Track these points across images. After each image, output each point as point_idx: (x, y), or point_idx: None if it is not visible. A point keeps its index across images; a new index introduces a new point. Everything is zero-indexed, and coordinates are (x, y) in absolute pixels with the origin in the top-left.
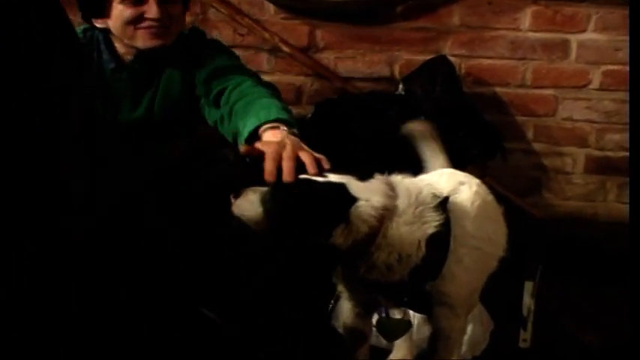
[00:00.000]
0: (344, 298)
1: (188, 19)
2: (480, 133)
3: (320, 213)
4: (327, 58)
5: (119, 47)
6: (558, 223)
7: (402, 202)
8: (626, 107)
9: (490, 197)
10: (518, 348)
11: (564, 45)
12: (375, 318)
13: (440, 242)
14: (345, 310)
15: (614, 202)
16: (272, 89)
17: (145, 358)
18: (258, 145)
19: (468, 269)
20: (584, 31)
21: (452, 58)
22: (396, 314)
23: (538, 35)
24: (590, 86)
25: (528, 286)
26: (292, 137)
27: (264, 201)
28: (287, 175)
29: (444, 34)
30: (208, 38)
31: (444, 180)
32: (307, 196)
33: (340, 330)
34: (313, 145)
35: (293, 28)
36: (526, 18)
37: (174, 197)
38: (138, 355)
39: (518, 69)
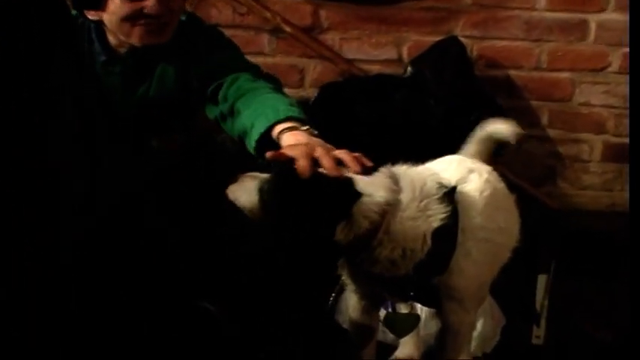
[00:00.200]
0: (349, 290)
1: None
2: (492, 118)
3: (323, 210)
4: (332, 39)
5: (112, 39)
6: (573, 214)
7: (405, 197)
8: None
9: (501, 185)
10: (530, 345)
11: (582, 25)
12: (382, 313)
13: (446, 235)
14: (351, 303)
15: None
16: (272, 82)
17: (145, 358)
18: (284, 150)
19: (477, 262)
20: (603, 10)
21: (463, 40)
22: (403, 308)
23: (555, 15)
24: (609, 69)
25: (542, 280)
26: (316, 139)
27: (261, 190)
28: (332, 170)
29: (455, 13)
30: (206, 25)
31: (453, 168)
32: (310, 191)
33: (345, 325)
34: (317, 130)
35: (296, 7)
36: None
37: (173, 196)
38: (138, 354)
39: (533, 51)
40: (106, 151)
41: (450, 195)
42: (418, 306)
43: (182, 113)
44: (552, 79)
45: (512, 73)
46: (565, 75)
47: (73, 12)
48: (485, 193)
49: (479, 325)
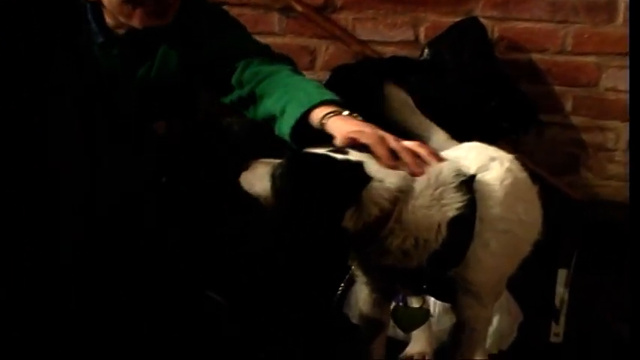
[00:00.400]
0: (360, 283)
1: None
2: (513, 104)
3: (331, 193)
4: (345, 18)
5: (110, 20)
6: (597, 205)
7: (419, 184)
8: None
9: (523, 175)
10: (549, 342)
11: (610, 6)
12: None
13: (463, 225)
14: (362, 297)
15: None
16: (288, 62)
17: (146, 358)
18: (352, 135)
19: (496, 254)
20: None
21: (483, 21)
22: (414, 302)
23: None
24: None
25: (562, 274)
26: (368, 124)
27: (273, 175)
28: (417, 168)
29: None
30: (208, 3)
31: (473, 155)
32: (320, 174)
33: (354, 319)
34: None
35: None
36: None
37: (175, 193)
38: (138, 354)
39: (557, 33)
40: (107, 150)
41: (468, 184)
42: (431, 300)
43: (184, 96)
44: (577, 63)
45: (535, 56)
46: (591, 59)
47: None
48: (506, 182)
49: (495, 320)
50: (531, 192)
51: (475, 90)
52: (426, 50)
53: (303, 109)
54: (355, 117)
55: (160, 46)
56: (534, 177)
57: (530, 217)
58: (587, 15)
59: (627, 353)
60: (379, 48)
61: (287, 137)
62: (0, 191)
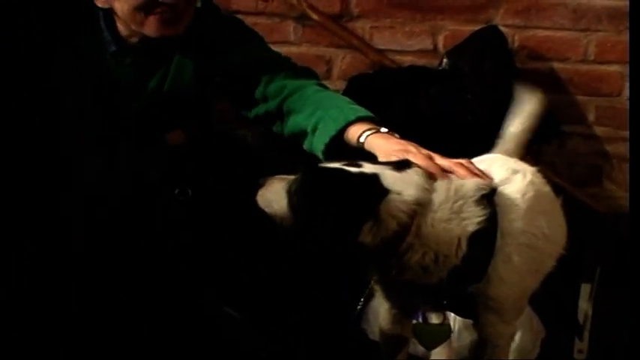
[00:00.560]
0: (379, 298)
1: None
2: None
3: (348, 207)
4: (362, 27)
5: (122, 29)
6: (621, 218)
7: (438, 196)
8: None
9: (546, 189)
10: (572, 359)
11: None
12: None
13: (484, 240)
14: (381, 312)
15: None
16: (312, 76)
17: (147, 358)
18: (397, 154)
19: (518, 269)
20: None
21: (504, 29)
22: (435, 318)
23: (604, 2)
24: None
25: (586, 289)
26: (408, 142)
27: (289, 191)
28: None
29: (495, 0)
30: (224, 14)
31: (496, 168)
32: (335, 188)
33: (372, 335)
34: None
35: None
36: None
37: (192, 205)
38: (140, 354)
39: (579, 41)
40: (118, 145)
41: (489, 197)
42: (451, 316)
43: (198, 106)
44: (600, 73)
45: (557, 65)
46: (614, 68)
47: None
48: (528, 196)
49: (516, 336)
50: (554, 205)
51: (495, 100)
52: (445, 59)
53: (338, 126)
54: (392, 134)
55: (174, 55)
56: (557, 189)
57: (554, 231)
58: (610, 23)
59: None
60: (397, 57)
61: (319, 153)
62: (0, 191)
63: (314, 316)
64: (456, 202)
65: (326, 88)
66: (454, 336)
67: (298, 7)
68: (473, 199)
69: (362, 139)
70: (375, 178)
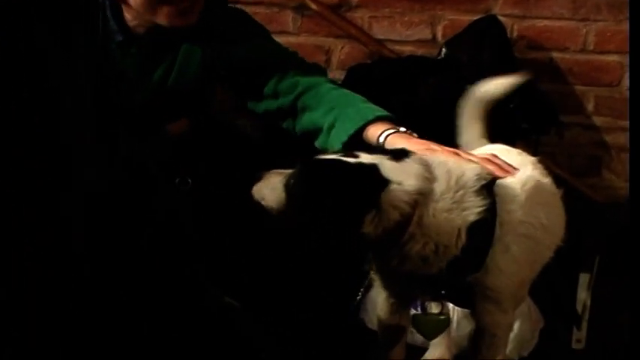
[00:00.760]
0: (378, 288)
1: None
2: (532, 104)
3: (349, 198)
4: (361, 17)
5: (129, 19)
6: (620, 207)
7: (439, 186)
8: None
9: (546, 180)
10: (571, 349)
11: None
12: (411, 312)
13: (483, 230)
14: (379, 302)
15: None
16: (322, 72)
17: (147, 358)
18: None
19: (517, 259)
20: None
21: (502, 19)
22: (434, 308)
23: None
24: None
25: (584, 279)
26: (430, 142)
27: (287, 185)
28: (504, 173)
29: None
30: (230, 6)
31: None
32: (335, 179)
33: (371, 325)
34: None
35: None
36: None
37: (194, 195)
38: (141, 354)
39: (579, 31)
40: (118, 137)
41: (488, 187)
42: (450, 305)
43: (201, 98)
44: (599, 62)
45: (556, 55)
46: (613, 57)
47: None
48: (527, 186)
49: (515, 326)
50: (554, 196)
51: None
52: (444, 49)
53: (357, 125)
54: (411, 134)
55: (180, 46)
56: (557, 180)
57: (553, 222)
58: (609, 12)
59: None
60: (396, 47)
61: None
62: (0, 191)
63: (313, 306)
64: (457, 191)
65: (339, 85)
66: (453, 326)
67: None
68: (473, 189)
69: (382, 139)
70: (374, 168)
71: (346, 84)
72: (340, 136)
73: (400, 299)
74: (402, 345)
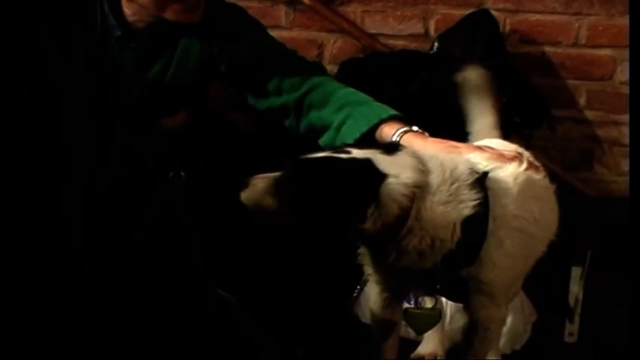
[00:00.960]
0: (371, 282)
1: None
2: (525, 98)
3: (349, 194)
4: (353, 11)
5: (129, 14)
6: (612, 201)
7: (434, 178)
8: None
9: (539, 174)
10: (563, 342)
11: None
12: (404, 306)
13: (477, 224)
14: (372, 297)
15: None
16: (322, 70)
17: (147, 355)
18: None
19: (510, 253)
20: None
21: (495, 13)
22: (428, 302)
23: None
24: None
25: (576, 272)
26: (446, 140)
27: (278, 187)
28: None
29: None
30: (227, 2)
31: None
32: (332, 177)
33: (364, 319)
34: None
35: None
36: None
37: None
38: (138, 354)
39: (571, 25)
40: (115, 136)
41: (481, 181)
42: (443, 300)
43: (198, 93)
44: (592, 56)
45: (548, 49)
46: (605, 52)
47: None
48: (520, 180)
49: (508, 320)
50: (547, 191)
51: None
52: (436, 44)
53: (370, 123)
54: (424, 133)
55: (179, 41)
56: (549, 174)
57: (545, 216)
58: (601, 7)
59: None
60: (388, 41)
61: None
62: (0, 191)
63: (307, 301)
64: (452, 184)
65: (341, 84)
66: (446, 320)
67: None
68: (467, 182)
69: (396, 138)
70: (369, 162)
71: (339, 78)
72: (352, 133)
73: (393, 294)
74: (395, 339)
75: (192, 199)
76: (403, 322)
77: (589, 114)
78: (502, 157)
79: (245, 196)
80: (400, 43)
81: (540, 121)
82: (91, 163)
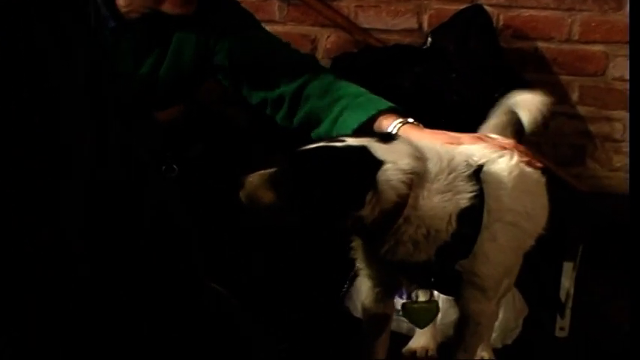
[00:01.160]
0: (363, 276)
1: None
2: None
3: (347, 180)
4: (347, 6)
5: (122, 4)
6: (604, 197)
7: (433, 167)
8: None
9: (532, 168)
10: (554, 337)
11: None
12: (397, 301)
13: (472, 217)
14: (364, 291)
15: None
16: (318, 63)
17: (144, 357)
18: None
19: (503, 247)
20: None
21: (488, 8)
22: (422, 296)
23: None
24: None
25: (568, 267)
26: (452, 132)
27: (275, 181)
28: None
29: None
30: None
31: (484, 146)
32: (329, 164)
33: (356, 313)
34: None
35: None
36: None
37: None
38: (137, 354)
39: (564, 21)
40: (112, 131)
41: (476, 174)
42: (435, 293)
43: (191, 87)
44: (584, 52)
45: (541, 45)
46: (598, 47)
47: None
48: (514, 174)
49: (499, 315)
50: (539, 186)
51: (479, 79)
52: (430, 39)
53: (369, 114)
54: (418, 125)
55: (173, 33)
56: (542, 169)
57: (537, 211)
58: (594, 2)
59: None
60: (382, 36)
61: None
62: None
63: (299, 296)
64: (450, 174)
65: (337, 75)
66: (439, 315)
67: None
68: (464, 173)
69: (394, 129)
70: (364, 149)
71: None
72: (351, 123)
73: (385, 288)
74: (386, 333)
75: (185, 194)
76: (395, 317)
77: (581, 109)
78: (503, 147)
79: (243, 195)
80: (394, 38)
81: None
82: (91, 162)
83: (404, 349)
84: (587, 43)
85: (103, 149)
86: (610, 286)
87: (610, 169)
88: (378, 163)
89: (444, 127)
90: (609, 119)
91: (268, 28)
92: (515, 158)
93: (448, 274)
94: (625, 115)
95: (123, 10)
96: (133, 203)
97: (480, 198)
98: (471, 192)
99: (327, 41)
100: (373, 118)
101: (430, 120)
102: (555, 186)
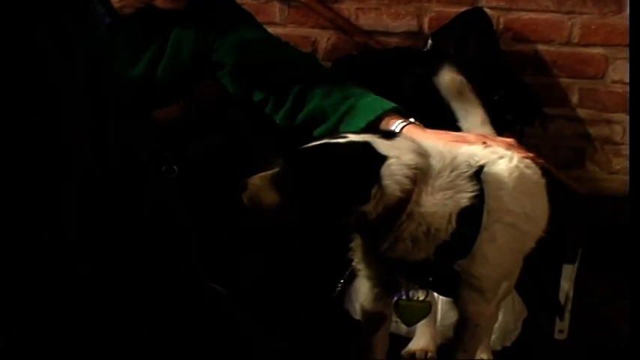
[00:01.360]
0: (362, 277)
1: None
2: (517, 96)
3: (351, 175)
4: (348, 8)
5: (115, 0)
6: (603, 199)
7: (436, 161)
8: None
9: (532, 170)
10: (553, 339)
11: None
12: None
13: (472, 216)
14: (363, 291)
15: None
16: (316, 60)
17: (144, 357)
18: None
19: (502, 248)
20: None
21: (488, 11)
22: (420, 296)
23: None
24: None
25: (567, 270)
26: (455, 132)
27: (279, 181)
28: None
29: None
30: None
31: (488, 145)
32: (332, 160)
33: (355, 315)
34: None
35: None
36: None
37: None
38: (137, 354)
39: (564, 24)
40: (107, 123)
41: (477, 174)
42: (436, 296)
43: (190, 84)
44: (584, 55)
45: (541, 47)
46: (598, 50)
47: None
48: (514, 175)
49: (499, 316)
50: (539, 188)
51: (479, 82)
52: (430, 41)
53: (376, 113)
54: (420, 125)
55: (171, 28)
56: (542, 171)
57: (536, 212)
58: (594, 5)
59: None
60: (382, 38)
61: None
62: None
63: (298, 296)
64: (452, 171)
65: (339, 75)
66: (438, 316)
67: None
68: (465, 173)
69: (397, 129)
70: (368, 145)
71: None
72: (358, 122)
73: (384, 288)
74: (385, 334)
75: (185, 194)
76: (395, 319)
77: (581, 112)
78: (509, 144)
79: (246, 197)
80: (394, 41)
81: (532, 119)
82: (91, 163)
83: (403, 351)
84: (587, 45)
85: (103, 149)
86: (610, 288)
87: (610, 171)
88: (382, 158)
89: (444, 129)
90: (609, 122)
91: (269, 30)
92: (516, 160)
93: (446, 274)
94: (625, 117)
95: (116, 5)
96: (132, 203)
97: (480, 198)
98: (472, 192)
99: (327, 43)
100: (379, 118)
101: (430, 121)
102: (555, 188)
